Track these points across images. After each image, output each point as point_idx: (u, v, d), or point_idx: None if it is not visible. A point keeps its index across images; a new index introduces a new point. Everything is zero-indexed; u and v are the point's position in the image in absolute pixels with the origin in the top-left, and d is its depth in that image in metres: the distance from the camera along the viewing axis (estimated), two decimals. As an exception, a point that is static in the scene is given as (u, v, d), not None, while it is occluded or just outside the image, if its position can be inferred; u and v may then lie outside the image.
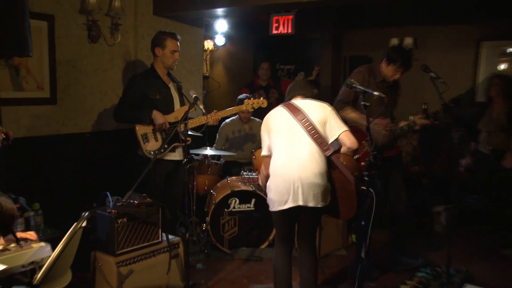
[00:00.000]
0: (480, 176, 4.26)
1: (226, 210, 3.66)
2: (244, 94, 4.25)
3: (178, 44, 3.22)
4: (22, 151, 3.06)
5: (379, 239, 3.77)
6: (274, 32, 4.43)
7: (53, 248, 1.79)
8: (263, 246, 3.71)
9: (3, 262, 1.70)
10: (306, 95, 2.63)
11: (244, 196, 3.68)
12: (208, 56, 5.52)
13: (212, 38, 5.52)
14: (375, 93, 2.27)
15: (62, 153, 3.40)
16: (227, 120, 4.46)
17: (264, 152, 2.62)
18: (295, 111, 2.51)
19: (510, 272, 3.42)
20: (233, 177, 3.92)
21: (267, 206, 2.60)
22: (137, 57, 3.89)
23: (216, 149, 4.20)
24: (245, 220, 3.70)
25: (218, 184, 3.88)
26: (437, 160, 4.87)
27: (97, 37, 3.50)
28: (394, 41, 5.26)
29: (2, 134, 1.83)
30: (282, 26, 4.36)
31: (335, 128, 2.48)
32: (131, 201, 2.58)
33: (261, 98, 3.51)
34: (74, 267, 1.92)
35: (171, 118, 3.17)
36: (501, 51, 4.90)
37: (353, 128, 2.87)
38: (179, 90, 3.36)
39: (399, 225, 3.34)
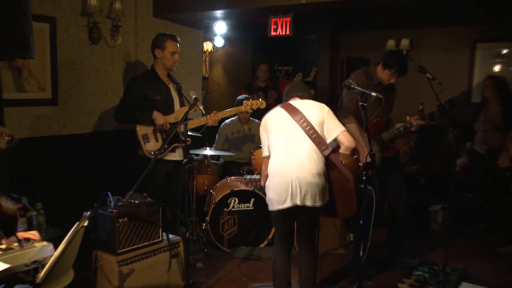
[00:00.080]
0: (476, 175, 4.31)
1: (225, 209, 3.69)
2: (243, 95, 4.28)
3: (178, 45, 3.26)
4: (24, 151, 3.09)
5: (376, 237, 3.80)
6: (272, 33, 4.47)
7: (55, 247, 1.80)
8: (262, 245, 3.74)
9: (6, 261, 1.71)
10: (304, 96, 2.66)
11: (243, 196, 3.71)
12: (207, 58, 5.56)
13: (211, 40, 5.55)
14: (373, 94, 2.31)
15: (63, 154, 3.43)
16: (227, 121, 4.49)
17: (264, 153, 2.65)
18: (294, 111, 2.54)
19: (506, 270, 3.46)
20: (233, 177, 3.95)
21: (266, 205, 2.63)
22: (137, 59, 3.92)
23: (216, 149, 4.23)
24: (245, 220, 3.73)
25: (218, 184, 3.91)
26: (434, 160, 4.91)
27: (98, 39, 3.54)
28: (391, 43, 5.31)
29: (8, 137, 1.85)
30: (280, 28, 4.41)
31: (333, 129, 2.51)
32: (132, 200, 2.60)
33: (260, 99, 3.56)
34: (76, 266, 1.93)
35: (171, 118, 3.21)
36: (496, 52, 4.97)
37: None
38: (179, 91, 3.39)
39: (399, 225, 3.36)
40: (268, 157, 2.62)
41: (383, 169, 3.08)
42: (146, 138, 3.18)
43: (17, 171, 3.02)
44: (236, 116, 4.47)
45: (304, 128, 2.49)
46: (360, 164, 2.88)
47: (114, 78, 3.79)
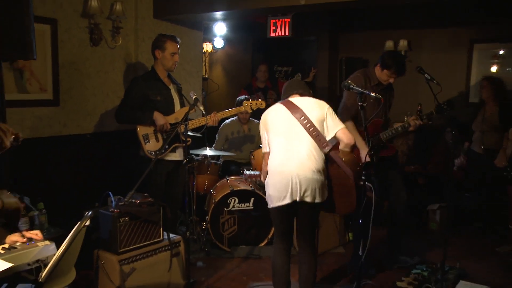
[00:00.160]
0: (474, 175, 4.33)
1: (225, 209, 3.71)
2: (242, 96, 4.29)
3: (178, 46, 3.28)
4: (25, 152, 3.11)
5: (375, 236, 3.82)
6: (272, 34, 4.50)
7: (57, 247, 1.80)
8: (262, 244, 3.76)
9: (9, 260, 1.71)
10: (303, 93, 2.67)
11: (243, 195, 3.73)
12: (207, 58, 5.58)
13: (211, 41, 5.58)
14: (372, 94, 2.33)
15: (64, 154, 3.45)
16: (227, 121, 4.51)
17: (265, 148, 2.66)
18: (294, 109, 2.54)
19: (503, 269, 3.49)
20: (232, 177, 3.97)
21: (265, 205, 2.64)
22: (137, 60, 3.94)
23: (216, 149, 4.25)
24: (244, 219, 3.75)
25: (218, 184, 3.93)
26: (432, 160, 4.94)
27: (98, 40, 3.56)
28: (389, 43, 5.34)
29: (12, 135, 1.86)
30: (279, 29, 4.44)
31: (333, 126, 2.53)
32: (133, 200, 2.62)
33: (260, 100, 3.57)
34: (77, 265, 1.94)
35: (171, 119, 3.23)
36: (493, 53, 4.99)
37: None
38: (179, 91, 3.41)
39: (398, 225, 3.38)
40: (268, 153, 2.62)
41: (381, 169, 3.09)
42: (146, 138, 3.20)
43: (19, 171, 3.04)
44: (236, 117, 4.48)
45: (304, 126, 2.49)
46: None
47: (114, 79, 3.81)
